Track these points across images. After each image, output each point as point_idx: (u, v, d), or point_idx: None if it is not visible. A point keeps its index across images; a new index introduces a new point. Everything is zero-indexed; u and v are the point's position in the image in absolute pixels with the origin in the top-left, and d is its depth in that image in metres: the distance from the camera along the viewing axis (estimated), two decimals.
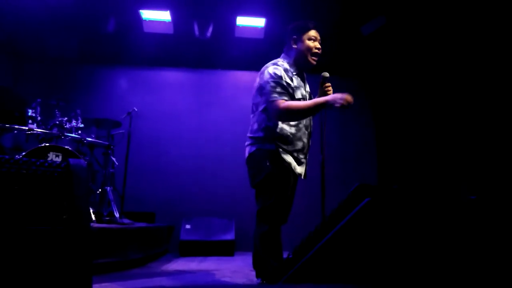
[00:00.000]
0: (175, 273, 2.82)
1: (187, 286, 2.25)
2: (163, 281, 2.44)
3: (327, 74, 2.09)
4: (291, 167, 2.03)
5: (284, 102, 1.94)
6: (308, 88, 2.25)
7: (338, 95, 1.95)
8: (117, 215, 3.46)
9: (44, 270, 0.95)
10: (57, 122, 3.36)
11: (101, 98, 5.11)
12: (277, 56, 2.24)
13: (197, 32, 4.48)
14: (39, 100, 3.38)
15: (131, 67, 5.28)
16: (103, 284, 2.16)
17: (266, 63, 2.16)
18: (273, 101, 1.95)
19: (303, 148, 2.09)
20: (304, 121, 2.08)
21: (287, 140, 2.03)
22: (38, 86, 4.77)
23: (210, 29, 4.47)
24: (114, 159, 3.87)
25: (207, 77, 5.36)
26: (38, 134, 3.26)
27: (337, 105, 1.93)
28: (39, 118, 3.31)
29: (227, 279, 2.47)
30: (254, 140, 2.04)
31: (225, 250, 4.09)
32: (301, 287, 1.49)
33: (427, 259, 1.41)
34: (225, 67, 5.34)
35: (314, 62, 2.14)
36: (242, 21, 4.42)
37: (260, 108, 2.05)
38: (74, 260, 0.97)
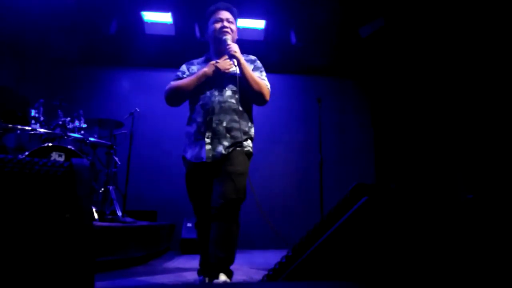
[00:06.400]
0: (176, 270, 2.84)
1: (188, 284, 2.28)
2: (165, 278, 2.46)
3: (224, 37, 2.01)
4: (192, 161, 1.96)
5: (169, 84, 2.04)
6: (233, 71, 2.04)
7: (211, 66, 2.01)
8: (119, 213, 3.49)
9: (47, 269, 0.96)
10: (60, 122, 3.39)
11: (104, 99, 5.14)
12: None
13: (198, 34, 4.51)
14: (42, 100, 3.41)
15: (133, 68, 5.32)
16: (106, 282, 2.19)
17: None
18: None
19: (198, 128, 1.97)
20: (200, 101, 2.00)
21: (186, 133, 2.04)
22: (41, 87, 4.81)
23: None
24: (116, 158, 3.90)
25: None
26: (41, 134, 3.30)
27: (224, 70, 2.01)
28: (42, 118, 3.34)
29: None
30: None
31: None
32: (299, 284, 1.52)
33: (425, 258, 1.43)
34: None
35: (224, 36, 2.01)
36: (243, 23, 4.44)
37: None
38: (76, 258, 0.98)
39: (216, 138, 1.93)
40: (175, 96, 2.03)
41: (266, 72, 2.17)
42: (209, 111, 1.96)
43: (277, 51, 4.67)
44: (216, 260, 1.82)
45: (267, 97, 2.06)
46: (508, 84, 3.34)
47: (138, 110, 4.20)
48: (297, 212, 4.88)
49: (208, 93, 1.99)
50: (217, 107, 1.96)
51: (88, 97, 5.03)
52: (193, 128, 2.00)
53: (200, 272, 2.09)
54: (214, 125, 1.94)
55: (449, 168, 3.97)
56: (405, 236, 1.46)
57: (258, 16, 4.35)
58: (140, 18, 4.41)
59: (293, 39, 4.64)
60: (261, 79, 2.05)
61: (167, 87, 2.03)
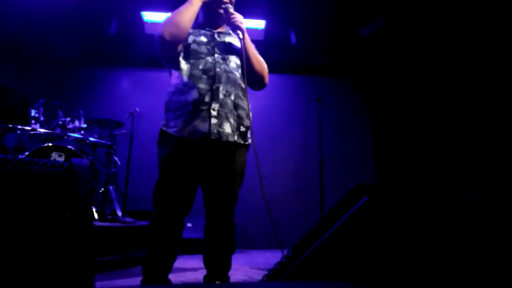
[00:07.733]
0: (176, 270, 2.84)
1: (188, 284, 2.27)
2: None
3: (225, 6, 1.82)
4: (184, 137, 1.57)
5: None
6: (225, 39, 1.80)
7: None
8: (119, 213, 3.49)
9: (47, 268, 0.96)
10: (60, 122, 3.40)
11: (104, 99, 5.15)
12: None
13: None
14: (42, 100, 3.41)
15: (133, 68, 5.32)
16: (106, 282, 2.19)
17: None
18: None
19: (201, 96, 1.59)
20: (200, 65, 1.64)
21: (178, 102, 1.61)
22: (41, 87, 4.81)
23: None
24: (116, 158, 3.90)
25: None
26: (41, 134, 3.30)
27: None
28: (42, 118, 3.34)
29: None
30: None
31: None
32: (299, 284, 1.52)
33: (425, 258, 1.43)
34: None
35: (224, 5, 1.80)
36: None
37: None
38: (76, 258, 0.98)
39: (224, 113, 1.61)
40: (173, 25, 1.63)
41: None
42: (214, 78, 1.63)
43: (277, 51, 4.67)
44: (214, 271, 1.71)
45: (267, 80, 1.85)
46: (508, 85, 3.34)
47: (138, 110, 4.21)
48: (297, 212, 4.88)
49: (209, 58, 1.67)
50: (224, 76, 1.65)
51: (88, 97, 5.03)
52: (191, 96, 1.59)
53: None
54: (221, 95, 1.62)
55: (450, 168, 3.97)
56: (405, 236, 1.46)
57: (258, 16, 4.35)
58: (140, 18, 4.42)
59: (293, 39, 4.64)
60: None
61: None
